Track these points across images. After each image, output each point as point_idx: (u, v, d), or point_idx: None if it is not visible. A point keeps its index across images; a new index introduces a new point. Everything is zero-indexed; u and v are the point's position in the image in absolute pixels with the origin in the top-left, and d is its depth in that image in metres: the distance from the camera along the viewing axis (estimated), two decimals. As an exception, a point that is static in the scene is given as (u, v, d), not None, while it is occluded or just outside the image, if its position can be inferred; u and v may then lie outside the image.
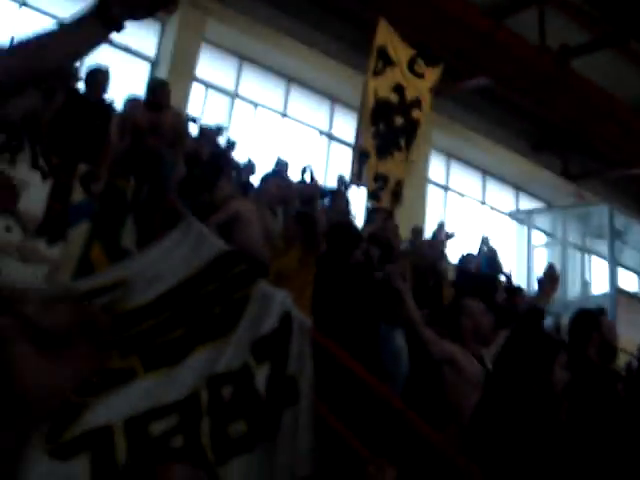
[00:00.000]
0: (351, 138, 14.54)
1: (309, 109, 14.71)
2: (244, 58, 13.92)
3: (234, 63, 13.91)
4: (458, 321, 4.72)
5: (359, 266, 5.55)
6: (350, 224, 6.52)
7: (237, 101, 13.76)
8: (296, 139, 14.12)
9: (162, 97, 6.76)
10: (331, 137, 14.86)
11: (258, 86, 14.10)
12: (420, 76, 9.59)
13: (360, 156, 8.79)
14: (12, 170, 5.32)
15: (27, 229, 5.14)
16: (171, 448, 3.33)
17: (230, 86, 13.79)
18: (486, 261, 11.59)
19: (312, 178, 9.77)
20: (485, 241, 12.37)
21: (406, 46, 9.35)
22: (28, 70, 1.54)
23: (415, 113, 9.33)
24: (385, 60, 9.08)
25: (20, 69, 1.52)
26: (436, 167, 16.35)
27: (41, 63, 1.55)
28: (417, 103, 9.39)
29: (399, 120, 9.09)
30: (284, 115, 14.35)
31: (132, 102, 7.80)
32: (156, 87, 7.06)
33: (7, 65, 1.51)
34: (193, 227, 4.76)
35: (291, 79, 14.42)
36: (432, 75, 9.69)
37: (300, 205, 7.84)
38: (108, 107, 6.29)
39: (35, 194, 5.31)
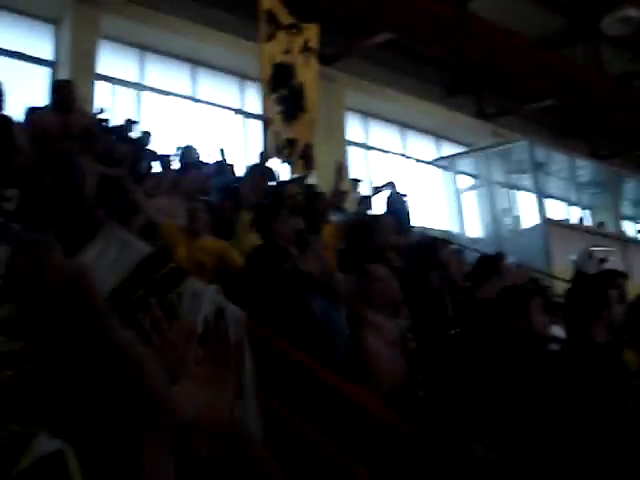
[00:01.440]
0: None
1: (219, 90, 14.56)
2: (146, 48, 13.67)
3: (136, 54, 13.66)
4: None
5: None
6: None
7: (145, 93, 13.54)
8: (211, 122, 13.98)
9: (68, 97, 6.56)
10: (245, 114, 14.74)
11: (164, 75, 13.88)
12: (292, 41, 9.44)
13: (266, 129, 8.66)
14: None
15: None
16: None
17: (135, 78, 13.55)
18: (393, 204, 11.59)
19: (225, 160, 9.74)
20: (390, 185, 12.32)
21: (285, 12, 9.20)
22: None
23: (292, 79, 9.20)
24: (275, 24, 8.93)
25: None
26: (354, 127, 16.37)
27: None
28: (290, 68, 9.29)
29: (283, 88, 8.96)
30: (195, 100, 14.18)
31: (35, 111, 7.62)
32: (60, 87, 6.84)
33: None
34: (115, 233, 4.67)
35: (196, 62, 14.24)
36: (305, 34, 9.52)
37: (219, 194, 7.76)
38: (7, 122, 6.08)
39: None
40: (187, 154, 9.44)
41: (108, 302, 4.00)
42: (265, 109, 8.73)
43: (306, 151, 8.87)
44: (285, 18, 9.11)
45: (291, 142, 8.74)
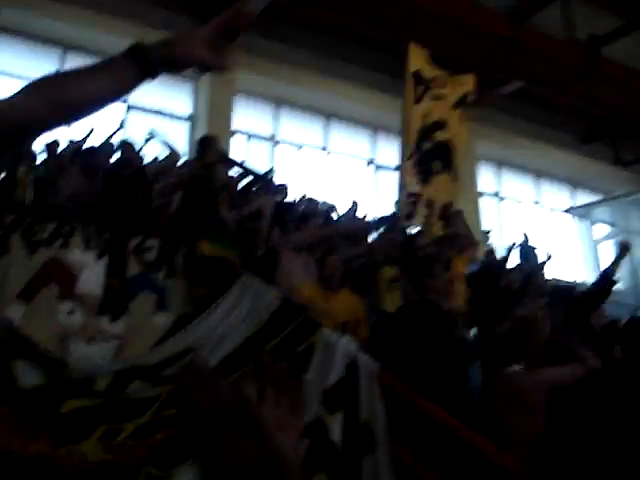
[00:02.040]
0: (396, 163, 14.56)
1: (351, 141, 14.75)
2: (280, 102, 14.05)
3: (270, 108, 14.04)
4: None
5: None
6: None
7: (279, 146, 13.87)
8: (342, 173, 14.15)
9: (212, 153, 6.80)
10: (377, 165, 14.86)
11: (298, 127, 14.19)
12: (439, 98, 9.13)
13: (408, 195, 8.28)
14: (67, 254, 5.44)
15: (89, 309, 5.23)
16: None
17: (270, 131, 13.91)
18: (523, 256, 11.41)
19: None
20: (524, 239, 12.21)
21: (434, 68, 8.96)
22: (48, 111, 1.36)
23: (439, 135, 8.85)
24: (424, 86, 8.69)
25: (37, 110, 1.34)
26: (487, 177, 16.21)
27: (63, 103, 1.37)
28: (440, 125, 8.93)
29: (426, 145, 8.67)
30: (327, 151, 14.41)
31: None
32: (207, 142, 7.06)
33: (26, 105, 1.34)
34: (250, 283, 4.78)
35: (330, 115, 14.51)
36: (459, 88, 9.23)
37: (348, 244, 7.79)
38: (144, 177, 6.38)
39: (92, 274, 5.41)
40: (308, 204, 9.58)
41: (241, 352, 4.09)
42: (403, 173, 8.45)
43: (445, 211, 8.63)
44: (435, 73, 8.91)
45: (429, 204, 8.48)
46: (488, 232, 12.56)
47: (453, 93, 9.10)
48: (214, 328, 4.59)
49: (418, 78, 8.68)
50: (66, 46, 12.81)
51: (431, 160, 8.71)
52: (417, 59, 8.74)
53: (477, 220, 14.17)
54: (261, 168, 10.63)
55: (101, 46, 12.37)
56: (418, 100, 8.64)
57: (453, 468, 3.21)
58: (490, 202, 16.04)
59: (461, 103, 9.21)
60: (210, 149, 6.88)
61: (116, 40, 12.09)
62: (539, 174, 17.31)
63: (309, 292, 5.25)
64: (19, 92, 1.36)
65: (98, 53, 13.12)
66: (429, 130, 8.81)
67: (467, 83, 9.40)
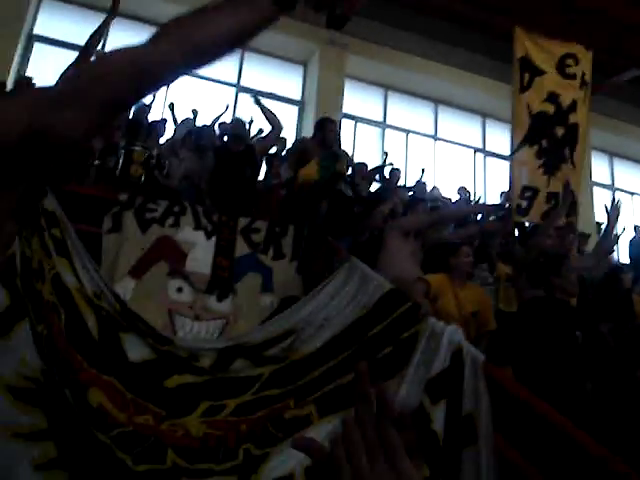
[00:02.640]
0: (506, 151, 14.23)
1: (460, 128, 14.53)
2: (389, 87, 13.96)
3: (379, 94, 13.98)
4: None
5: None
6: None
7: (387, 131, 13.79)
8: (451, 161, 13.96)
9: (332, 135, 6.77)
10: (487, 153, 14.60)
11: (407, 113, 14.07)
12: (572, 77, 8.71)
13: (523, 190, 7.86)
14: (178, 233, 5.55)
15: (197, 288, 5.33)
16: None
17: (378, 117, 13.84)
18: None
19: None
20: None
21: (554, 46, 8.53)
22: (180, 55, 1.28)
23: (573, 117, 8.42)
24: (531, 71, 8.34)
25: (170, 54, 1.26)
26: (599, 167, 15.70)
27: (196, 45, 1.30)
28: (573, 107, 8.52)
29: (560, 131, 8.23)
30: (436, 138, 14.24)
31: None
32: (327, 125, 7.04)
33: (158, 50, 1.27)
34: (356, 268, 4.76)
35: (438, 101, 14.33)
36: (583, 67, 8.70)
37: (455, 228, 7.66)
38: (253, 154, 6.41)
39: (201, 253, 5.50)
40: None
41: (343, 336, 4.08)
42: (516, 164, 8.10)
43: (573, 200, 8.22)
44: (549, 60, 8.53)
45: (552, 196, 8.07)
46: (601, 224, 12.16)
47: (577, 71, 8.65)
48: (318, 311, 4.59)
49: (524, 64, 8.37)
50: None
51: (560, 148, 8.31)
52: (522, 44, 8.42)
53: (591, 212, 13.75)
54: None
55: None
56: (525, 88, 8.32)
57: (559, 468, 3.12)
58: (602, 193, 15.52)
59: (584, 83, 8.75)
60: (326, 130, 6.84)
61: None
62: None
63: (438, 282, 5.18)
64: (150, 38, 1.29)
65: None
66: (543, 121, 8.46)
67: (586, 60, 8.92)
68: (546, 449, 3.13)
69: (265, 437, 3.94)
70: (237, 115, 6.86)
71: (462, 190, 10.78)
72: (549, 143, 8.10)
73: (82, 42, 5.72)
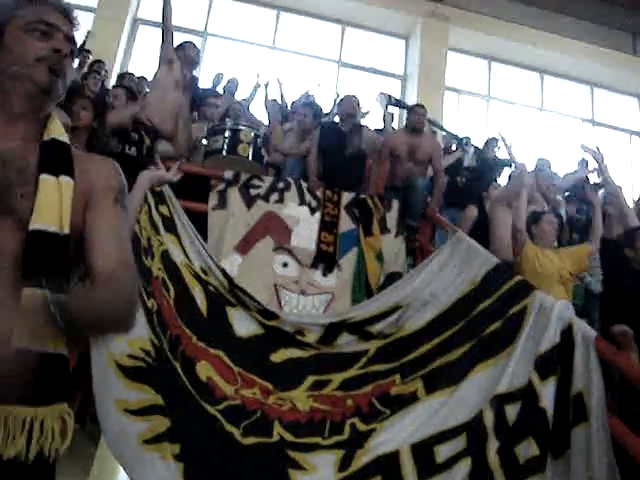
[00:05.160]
0: (617, 122, 13.78)
1: (567, 99, 14.07)
2: (493, 59, 13.64)
3: (483, 65, 13.67)
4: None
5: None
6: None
7: (492, 102, 13.49)
8: (558, 132, 13.55)
9: (419, 121, 6.71)
10: (595, 123, 14.10)
11: (511, 84, 13.73)
12: None
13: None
14: (282, 208, 5.59)
15: (302, 263, 5.35)
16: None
17: (481, 89, 13.56)
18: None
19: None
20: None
21: None
22: None
23: None
24: None
25: None
26: None
27: None
28: None
29: None
30: (541, 109, 13.84)
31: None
32: (412, 110, 6.99)
33: None
34: (462, 242, 4.68)
35: (544, 71, 13.91)
36: None
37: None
38: (361, 133, 6.37)
39: (306, 228, 5.52)
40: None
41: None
42: None
43: None
44: None
45: None
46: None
47: None
48: (424, 287, 4.55)
49: None
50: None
51: None
52: None
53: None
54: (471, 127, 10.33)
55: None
56: None
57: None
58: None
59: None
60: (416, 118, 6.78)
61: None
62: None
63: (531, 252, 5.03)
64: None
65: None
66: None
67: None
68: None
69: (371, 413, 3.94)
70: (346, 94, 6.78)
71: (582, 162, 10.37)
72: None
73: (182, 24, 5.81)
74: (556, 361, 3.35)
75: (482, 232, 5.76)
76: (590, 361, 3.23)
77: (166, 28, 5.91)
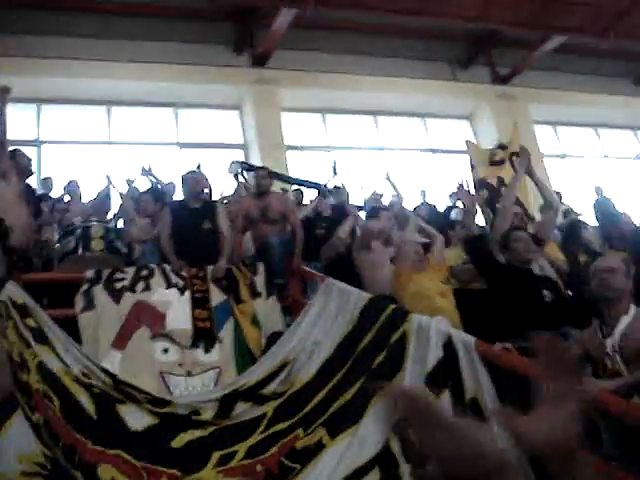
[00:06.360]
0: (453, 145, 14.39)
1: (403, 133, 14.63)
2: (327, 111, 14.05)
3: (318, 118, 14.06)
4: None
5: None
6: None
7: (332, 151, 13.87)
8: (398, 167, 14.01)
9: (264, 184, 6.90)
10: (434, 151, 14.71)
11: (348, 131, 14.15)
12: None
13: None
14: (151, 296, 5.54)
15: (182, 345, 5.31)
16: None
17: (320, 141, 13.90)
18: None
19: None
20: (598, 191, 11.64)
21: None
22: None
23: None
24: None
25: None
26: (547, 139, 15.85)
27: None
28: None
29: None
30: (382, 149, 14.32)
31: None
32: (259, 175, 7.18)
33: None
34: (333, 287, 4.80)
35: (377, 113, 14.43)
36: None
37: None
38: (211, 207, 6.46)
39: (178, 310, 5.50)
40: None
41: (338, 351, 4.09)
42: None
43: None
44: None
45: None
46: (559, 194, 12.21)
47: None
48: (306, 338, 4.63)
49: None
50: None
51: None
52: None
53: (547, 182, 13.80)
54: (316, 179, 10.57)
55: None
56: None
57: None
58: (554, 163, 15.64)
59: None
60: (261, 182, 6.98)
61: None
62: (599, 125, 16.81)
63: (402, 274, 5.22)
64: None
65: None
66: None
67: None
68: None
69: (282, 472, 3.94)
70: (189, 172, 6.85)
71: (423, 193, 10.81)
72: None
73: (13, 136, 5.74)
74: (444, 374, 3.47)
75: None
76: (475, 365, 3.37)
77: (1, 143, 5.81)
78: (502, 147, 8.06)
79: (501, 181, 7.53)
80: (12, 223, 5.64)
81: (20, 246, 5.66)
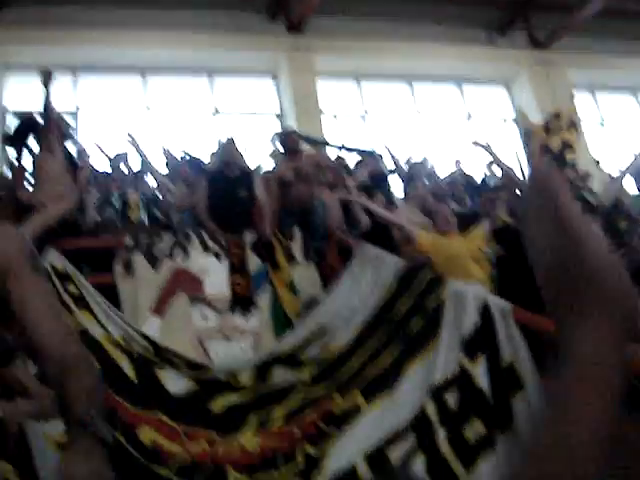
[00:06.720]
0: (491, 113, 14.24)
1: (439, 100, 14.49)
2: (362, 77, 13.95)
3: (354, 84, 13.97)
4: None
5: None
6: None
7: (367, 119, 13.77)
8: (434, 133, 13.90)
9: (293, 145, 6.90)
10: (469, 117, 14.55)
11: (383, 98, 14.05)
12: None
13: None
14: (188, 262, 5.60)
15: (220, 310, 5.36)
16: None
17: (358, 109, 13.83)
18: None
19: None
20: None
21: None
22: None
23: None
24: None
25: None
26: (586, 105, 15.59)
27: None
28: None
29: None
30: (419, 112, 14.20)
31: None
32: (284, 136, 7.19)
33: None
34: (369, 253, 4.80)
35: (413, 78, 14.30)
36: None
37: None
38: (247, 175, 6.48)
39: (216, 276, 5.55)
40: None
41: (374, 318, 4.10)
42: None
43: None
44: None
45: None
46: (598, 162, 11.99)
47: None
48: (342, 304, 4.63)
49: None
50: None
51: None
52: None
53: (586, 150, 13.61)
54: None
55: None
56: None
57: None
58: (593, 129, 15.38)
59: None
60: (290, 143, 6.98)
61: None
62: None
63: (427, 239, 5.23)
64: None
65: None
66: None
67: None
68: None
69: (319, 436, 3.97)
70: (224, 140, 6.88)
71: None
72: None
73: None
74: (481, 340, 3.47)
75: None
76: (512, 332, 3.37)
77: (49, 117, 5.86)
78: (557, 116, 8.05)
79: (566, 145, 7.56)
80: (61, 194, 5.71)
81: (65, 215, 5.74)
